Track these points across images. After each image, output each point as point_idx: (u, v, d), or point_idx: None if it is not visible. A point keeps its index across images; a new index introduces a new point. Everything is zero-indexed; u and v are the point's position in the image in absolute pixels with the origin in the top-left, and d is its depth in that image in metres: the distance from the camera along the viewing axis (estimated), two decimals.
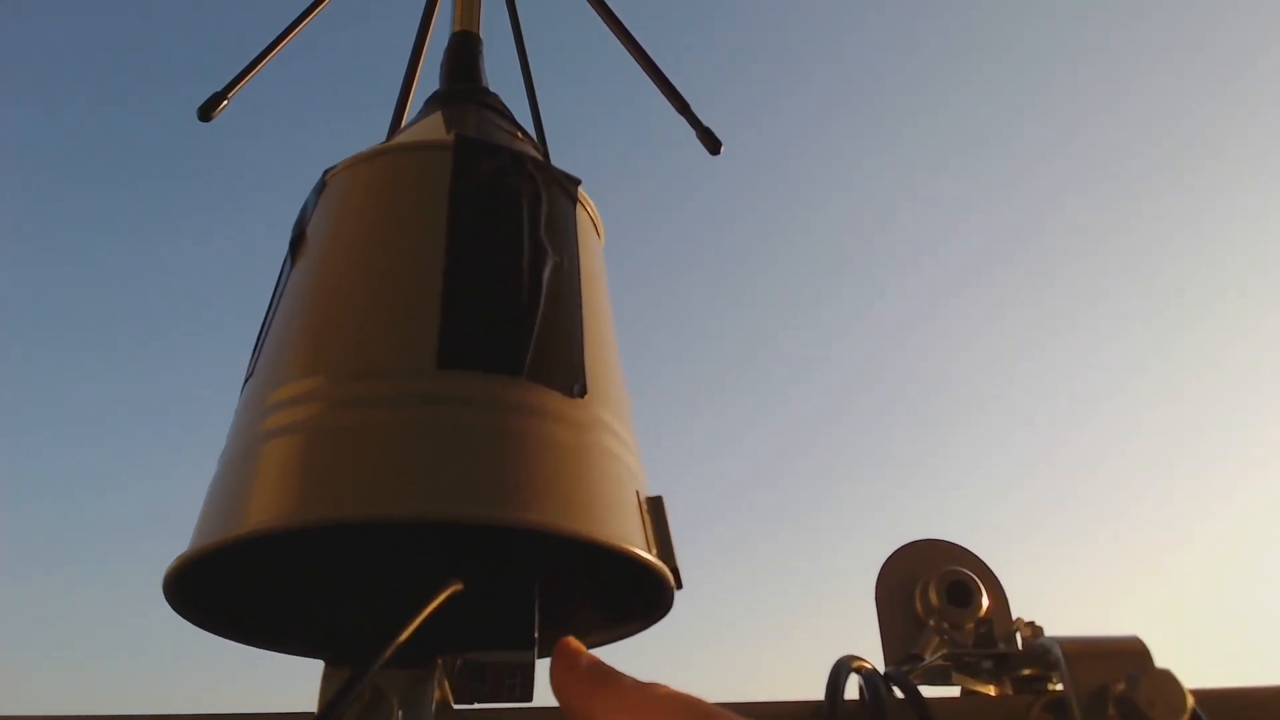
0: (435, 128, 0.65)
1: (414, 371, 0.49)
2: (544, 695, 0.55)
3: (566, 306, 0.55)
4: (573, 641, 0.44)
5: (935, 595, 0.63)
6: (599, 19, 0.85)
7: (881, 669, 0.58)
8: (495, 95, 0.73)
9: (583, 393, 0.52)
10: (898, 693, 0.54)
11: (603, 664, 0.40)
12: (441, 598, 0.44)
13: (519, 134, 0.69)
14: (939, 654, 0.58)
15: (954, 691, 0.62)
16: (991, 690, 0.59)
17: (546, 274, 0.55)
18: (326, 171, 0.62)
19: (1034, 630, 0.57)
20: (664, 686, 0.36)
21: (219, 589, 0.51)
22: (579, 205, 0.63)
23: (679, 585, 0.53)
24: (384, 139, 0.83)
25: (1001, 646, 0.57)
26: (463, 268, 0.53)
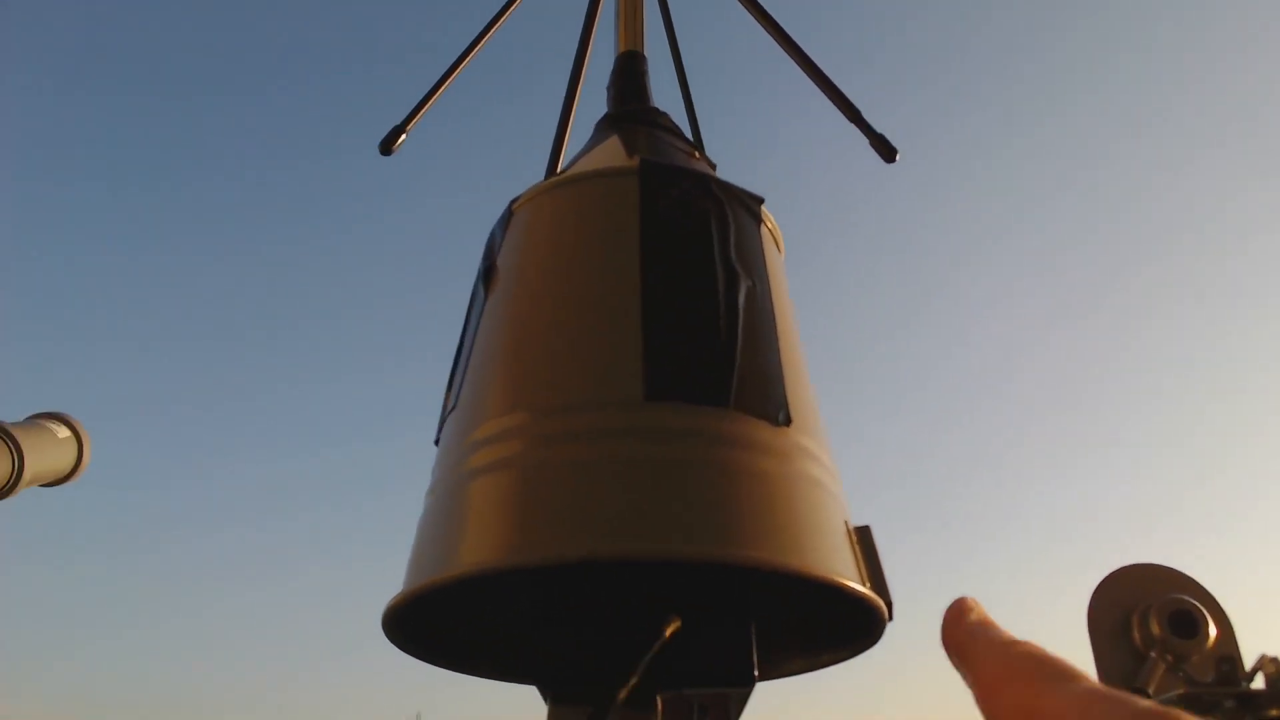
0: (615, 153, 0.65)
1: (621, 405, 0.48)
2: None
3: (763, 332, 0.54)
4: (968, 599, 0.44)
5: (1157, 624, 0.59)
6: (761, 29, 0.83)
7: None
8: (665, 114, 0.73)
9: (787, 421, 0.51)
10: None
11: (987, 621, 0.41)
12: (666, 635, 0.44)
13: (695, 153, 0.68)
14: (1175, 691, 0.54)
15: None
16: None
17: (741, 299, 0.54)
18: (512, 201, 0.63)
19: (1278, 667, 0.53)
20: (1030, 644, 0.36)
21: (433, 621, 0.52)
22: (762, 224, 0.62)
23: (891, 617, 0.51)
24: (545, 163, 0.84)
25: (1245, 685, 0.53)
26: (660, 297, 0.52)
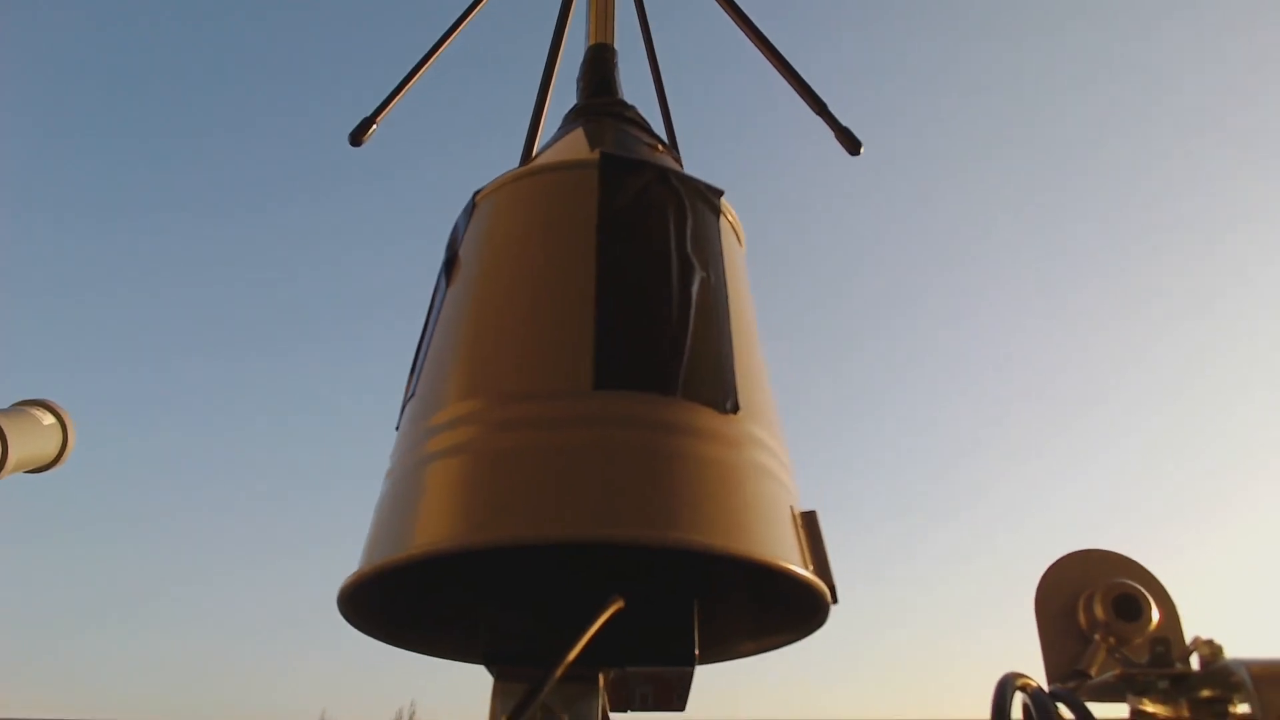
0: (578, 145, 0.66)
1: (571, 393, 0.50)
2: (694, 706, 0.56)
3: (715, 322, 0.56)
4: None
5: (1101, 608, 0.61)
6: (732, 23, 0.84)
7: (1043, 684, 0.56)
8: (633, 107, 0.74)
9: (735, 409, 0.52)
10: (1065, 712, 0.52)
11: None
12: (606, 615, 0.45)
13: (659, 146, 0.69)
14: (1111, 672, 0.56)
15: (1121, 711, 0.60)
16: (1164, 711, 0.56)
17: (695, 290, 0.56)
18: (476, 193, 0.64)
19: (1213, 650, 0.54)
20: None
21: (389, 601, 0.54)
22: (721, 215, 0.63)
23: (834, 600, 0.53)
24: (520, 151, 0.85)
25: (1179, 666, 0.55)
26: (614, 288, 0.54)
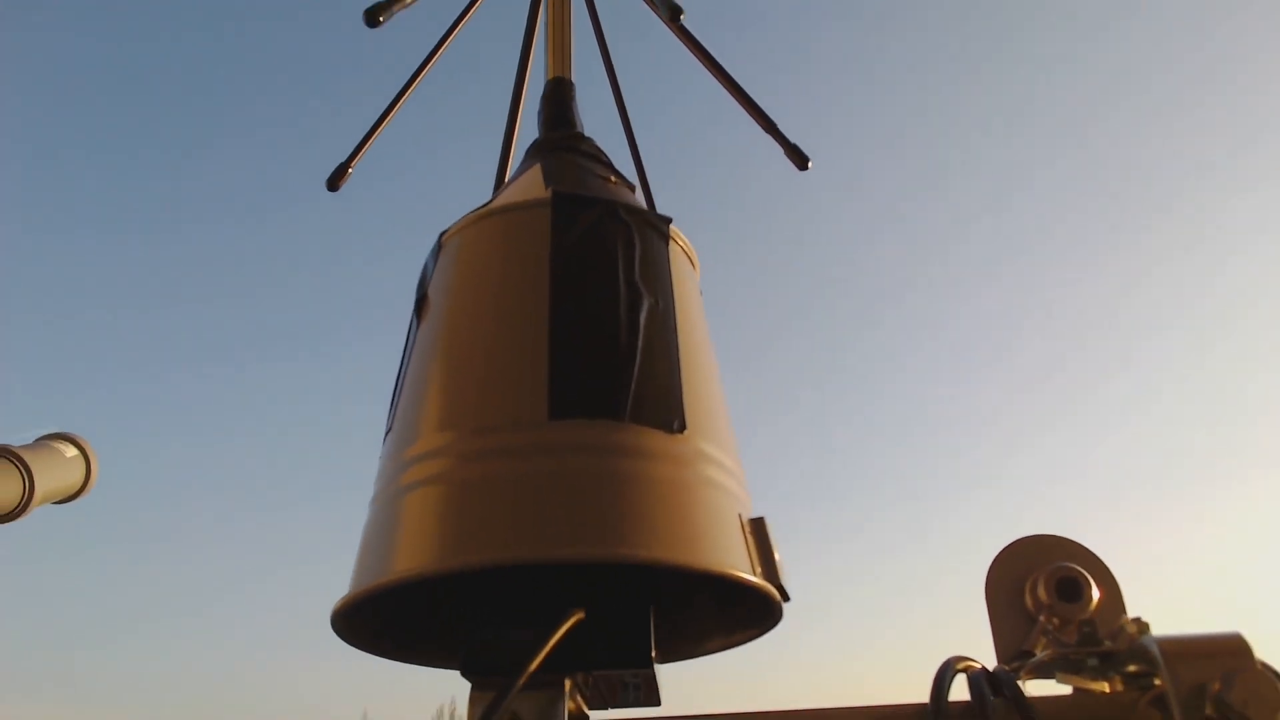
0: (535, 183, 0.70)
1: (530, 424, 0.55)
2: (671, 704, 0.61)
3: (664, 345, 0.60)
4: None
5: (1045, 591, 0.65)
6: (685, 49, 0.88)
7: (993, 666, 0.60)
8: (590, 140, 0.78)
9: (682, 428, 0.57)
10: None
11: None
12: (565, 627, 0.50)
13: (613, 178, 0.73)
14: (1047, 651, 0.60)
15: (1069, 689, 0.63)
16: (1104, 688, 0.60)
17: (643, 317, 0.60)
18: (442, 234, 0.69)
19: (1140, 627, 0.58)
20: None
21: (379, 619, 0.59)
22: (671, 242, 0.67)
23: (786, 599, 0.57)
24: (492, 184, 0.89)
25: (1106, 644, 0.59)
26: (566, 321, 0.58)
